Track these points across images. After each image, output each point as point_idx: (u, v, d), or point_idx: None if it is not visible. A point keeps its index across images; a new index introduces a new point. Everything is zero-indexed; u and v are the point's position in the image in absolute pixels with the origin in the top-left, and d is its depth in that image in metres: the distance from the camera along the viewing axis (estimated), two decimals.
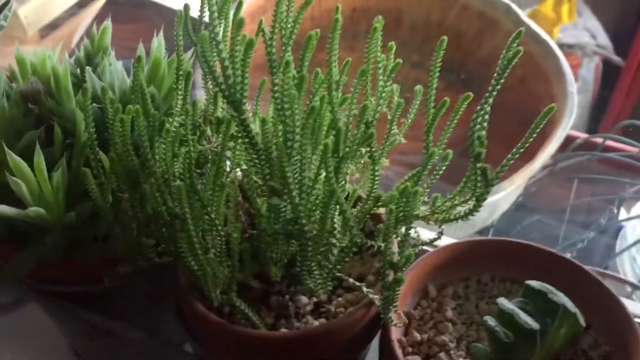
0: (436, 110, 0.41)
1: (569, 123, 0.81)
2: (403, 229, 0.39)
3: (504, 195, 0.75)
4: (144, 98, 0.40)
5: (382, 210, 0.46)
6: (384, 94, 0.41)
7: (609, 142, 0.98)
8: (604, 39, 1.64)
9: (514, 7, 1.03)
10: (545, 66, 0.97)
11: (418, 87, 0.46)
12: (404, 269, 0.41)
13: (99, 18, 0.89)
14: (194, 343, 0.49)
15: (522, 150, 0.40)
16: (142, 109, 0.40)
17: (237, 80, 0.35)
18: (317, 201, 0.37)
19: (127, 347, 0.61)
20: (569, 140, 0.96)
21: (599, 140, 0.99)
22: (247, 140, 0.37)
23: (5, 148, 0.43)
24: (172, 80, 0.49)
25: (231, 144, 0.44)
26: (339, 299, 0.50)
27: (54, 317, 0.61)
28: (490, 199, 0.58)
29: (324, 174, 0.36)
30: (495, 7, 1.08)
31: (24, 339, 0.71)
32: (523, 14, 1.02)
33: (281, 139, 0.35)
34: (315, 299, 0.50)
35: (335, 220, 0.40)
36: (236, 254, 0.42)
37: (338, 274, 0.51)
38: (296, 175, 0.34)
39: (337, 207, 0.36)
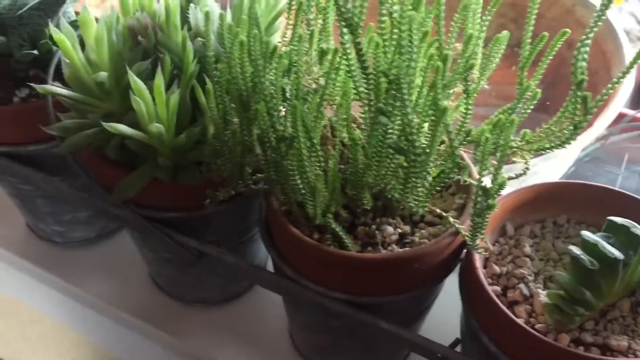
0: (533, 46, 0.43)
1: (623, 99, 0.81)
2: (498, 156, 0.41)
3: (557, 163, 0.76)
4: (258, 25, 0.43)
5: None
6: (483, 28, 0.43)
7: None
8: None
9: None
10: (604, 44, 0.96)
11: (505, 32, 0.48)
12: (496, 195, 0.43)
13: None
14: (283, 265, 0.53)
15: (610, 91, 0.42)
16: (251, 35, 0.42)
17: (356, 3, 0.37)
18: (426, 119, 0.40)
19: (214, 273, 0.65)
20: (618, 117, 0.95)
21: None
22: (359, 64, 0.39)
23: (128, 70, 0.46)
24: (270, 15, 0.52)
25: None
26: (422, 231, 0.52)
27: (144, 245, 0.65)
28: (544, 164, 0.60)
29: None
30: None
31: (106, 272, 0.75)
32: None
33: (393, 62, 0.37)
34: (399, 230, 0.52)
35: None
36: (338, 179, 0.44)
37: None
38: (408, 96, 0.36)
39: (444, 126, 0.39)
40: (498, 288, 0.50)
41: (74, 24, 0.63)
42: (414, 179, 0.41)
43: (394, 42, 0.37)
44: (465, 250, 0.51)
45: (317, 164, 0.46)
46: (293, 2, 0.49)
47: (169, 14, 0.50)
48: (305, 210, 0.50)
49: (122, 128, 0.46)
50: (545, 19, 1.05)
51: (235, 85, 0.44)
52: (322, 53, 0.45)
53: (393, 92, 0.38)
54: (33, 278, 0.77)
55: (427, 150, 0.39)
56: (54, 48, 0.62)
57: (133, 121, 0.52)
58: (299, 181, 0.44)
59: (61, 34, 0.50)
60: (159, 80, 0.46)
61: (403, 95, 0.36)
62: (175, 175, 0.51)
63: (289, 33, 0.46)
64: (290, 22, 0.46)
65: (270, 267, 0.73)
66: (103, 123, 0.46)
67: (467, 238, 0.48)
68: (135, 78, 0.46)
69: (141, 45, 0.54)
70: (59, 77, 0.62)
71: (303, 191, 0.44)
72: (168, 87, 0.51)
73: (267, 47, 0.43)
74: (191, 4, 0.54)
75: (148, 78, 0.53)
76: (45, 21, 0.61)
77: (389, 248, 0.51)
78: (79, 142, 0.53)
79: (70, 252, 0.77)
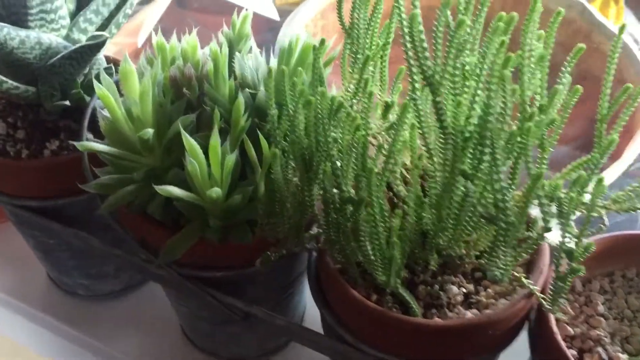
0: (614, 100, 0.40)
1: None
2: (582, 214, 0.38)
3: None
4: (322, 81, 0.40)
5: None
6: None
7: None
8: None
9: (589, 6, 1.00)
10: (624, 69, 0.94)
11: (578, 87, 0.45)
12: (582, 258, 0.40)
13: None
14: (340, 329, 0.49)
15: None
16: (317, 93, 0.40)
17: (438, 62, 0.34)
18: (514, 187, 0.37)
19: (256, 332, 0.61)
20: None
21: None
22: (439, 122, 0.37)
23: (182, 130, 0.43)
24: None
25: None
26: (488, 290, 0.49)
27: (179, 301, 0.62)
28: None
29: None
30: (571, 7, 1.06)
31: (134, 326, 0.72)
32: (598, 14, 1.00)
33: (485, 124, 0.34)
34: (464, 289, 0.49)
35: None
36: (407, 240, 0.41)
37: (480, 264, 0.51)
38: (502, 162, 0.34)
39: (539, 192, 0.36)
40: (574, 352, 0.46)
41: (109, 73, 0.61)
42: (502, 248, 0.38)
43: (481, 102, 0.35)
44: (534, 310, 0.48)
45: (382, 225, 0.43)
46: (348, 51, 0.47)
47: (217, 64, 0.48)
48: (363, 271, 0.47)
49: (174, 190, 0.43)
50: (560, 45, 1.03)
51: (298, 145, 0.41)
52: (387, 107, 0.43)
53: (479, 154, 0.35)
54: (56, 334, 0.73)
55: (519, 218, 0.36)
56: (86, 98, 0.59)
57: (178, 179, 0.49)
58: (369, 247, 0.41)
59: (104, 89, 0.47)
60: (215, 141, 0.43)
61: (496, 161, 0.33)
62: (225, 235, 0.48)
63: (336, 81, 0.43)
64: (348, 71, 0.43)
65: (308, 322, 0.70)
66: (155, 186, 0.43)
67: (543, 301, 0.45)
68: (188, 137, 0.43)
69: (184, 98, 0.51)
70: (90, 127, 0.59)
71: (373, 257, 0.41)
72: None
73: (332, 104, 0.40)
74: (237, 53, 0.51)
75: (192, 132, 0.50)
76: (77, 70, 0.58)
77: (455, 310, 0.48)
78: (120, 201, 0.50)
79: (96, 305, 0.73)
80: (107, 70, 0.61)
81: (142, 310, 0.73)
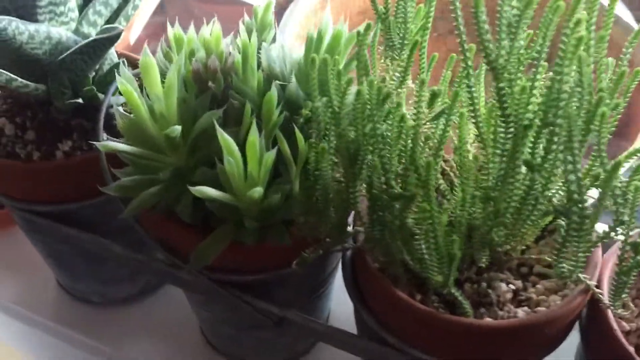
0: None
1: None
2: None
3: None
4: (367, 70, 0.37)
5: None
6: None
7: None
8: None
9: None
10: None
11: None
12: None
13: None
14: (382, 331, 0.47)
15: None
16: (366, 83, 0.37)
17: (504, 45, 0.32)
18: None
19: (287, 335, 0.59)
20: None
21: None
22: (501, 110, 0.34)
23: (217, 127, 0.40)
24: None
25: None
26: (537, 286, 0.47)
27: (202, 306, 0.59)
28: None
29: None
30: None
31: (153, 333, 0.69)
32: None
33: (559, 110, 0.32)
34: (512, 286, 0.47)
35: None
36: (462, 237, 0.39)
37: (529, 259, 0.49)
38: (579, 150, 0.31)
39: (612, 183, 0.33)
40: (632, 348, 0.44)
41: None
42: (575, 243, 0.35)
43: (555, 86, 0.32)
44: (587, 307, 0.46)
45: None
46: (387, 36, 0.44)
47: (246, 55, 0.44)
48: (406, 269, 0.45)
49: (209, 191, 0.40)
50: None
51: (344, 138, 0.38)
52: (434, 95, 0.40)
53: (546, 143, 0.33)
54: (70, 344, 0.70)
55: (596, 211, 0.33)
56: (99, 95, 0.56)
57: (207, 178, 0.46)
58: (423, 245, 0.38)
59: (127, 85, 0.43)
60: (254, 137, 0.40)
61: (573, 150, 0.30)
62: (262, 236, 0.45)
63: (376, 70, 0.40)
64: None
65: (333, 320, 0.67)
66: (190, 187, 0.40)
67: (601, 297, 0.42)
68: (224, 134, 0.40)
69: (209, 92, 0.48)
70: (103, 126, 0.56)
71: (427, 256, 0.38)
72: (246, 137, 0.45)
73: (379, 93, 0.37)
74: (263, 43, 0.48)
75: (221, 127, 0.47)
76: (89, 66, 0.54)
77: (505, 309, 0.46)
78: (144, 204, 0.46)
79: (111, 312, 0.70)
80: (119, 65, 0.57)
81: (160, 314, 0.70)
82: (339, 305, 0.66)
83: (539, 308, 0.45)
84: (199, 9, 0.87)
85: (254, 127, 0.40)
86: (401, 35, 0.43)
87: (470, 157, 0.39)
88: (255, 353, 0.63)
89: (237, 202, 0.41)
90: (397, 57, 0.45)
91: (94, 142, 0.46)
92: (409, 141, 0.38)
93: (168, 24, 0.53)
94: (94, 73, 0.57)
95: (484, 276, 0.47)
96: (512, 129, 0.35)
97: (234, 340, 0.63)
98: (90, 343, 0.68)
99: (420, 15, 0.46)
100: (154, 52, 0.50)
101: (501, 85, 0.33)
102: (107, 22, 0.58)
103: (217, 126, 0.40)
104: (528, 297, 0.46)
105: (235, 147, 0.40)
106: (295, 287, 0.54)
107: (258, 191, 0.39)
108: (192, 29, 0.52)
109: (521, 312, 0.45)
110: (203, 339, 0.68)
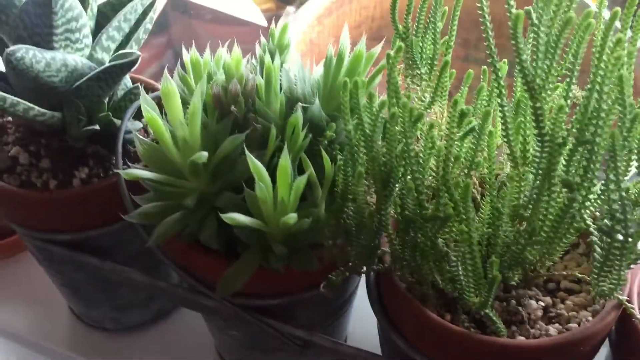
0: None
1: None
2: None
3: None
4: (398, 93, 0.37)
5: None
6: None
7: None
8: None
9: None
10: None
11: None
12: None
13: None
14: (413, 353, 0.46)
15: None
16: (399, 104, 0.37)
17: (541, 64, 0.32)
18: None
19: (304, 356, 0.58)
20: None
21: None
22: (538, 129, 0.34)
23: (247, 152, 0.40)
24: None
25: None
26: (566, 302, 0.47)
27: (222, 330, 0.58)
28: None
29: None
30: None
31: (167, 356, 0.68)
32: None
33: (598, 129, 0.32)
34: (541, 303, 0.46)
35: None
36: (499, 258, 0.38)
37: (556, 275, 0.48)
38: (624, 168, 0.31)
39: None
40: None
41: (135, 94, 0.57)
42: (617, 262, 0.35)
43: (592, 104, 0.32)
44: (618, 322, 0.46)
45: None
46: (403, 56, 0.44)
47: (269, 78, 0.44)
48: (434, 289, 0.45)
49: (240, 218, 0.40)
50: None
51: (376, 161, 0.38)
52: (462, 115, 0.40)
53: (584, 161, 0.33)
54: None
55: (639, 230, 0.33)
56: (116, 121, 0.55)
57: (232, 203, 0.45)
58: (460, 267, 0.38)
59: (152, 112, 0.43)
60: (286, 162, 0.39)
61: (618, 168, 0.30)
62: (289, 261, 0.45)
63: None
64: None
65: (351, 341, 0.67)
66: (222, 215, 0.39)
67: (633, 312, 0.42)
68: (255, 160, 0.39)
69: (230, 116, 0.47)
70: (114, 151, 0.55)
71: (464, 277, 0.38)
72: (270, 161, 0.45)
73: (411, 115, 0.37)
74: (284, 65, 0.48)
75: (242, 153, 0.46)
76: (105, 92, 0.54)
77: (537, 326, 0.45)
78: (169, 231, 0.46)
79: (126, 338, 0.69)
80: (134, 90, 0.57)
81: (175, 339, 0.69)
82: (356, 325, 0.66)
83: (570, 325, 0.45)
84: (203, 30, 0.87)
85: (285, 152, 0.39)
86: (426, 54, 0.43)
87: (503, 175, 0.39)
88: None
89: (266, 228, 0.41)
90: (420, 76, 0.45)
91: (116, 170, 0.46)
92: (441, 162, 0.38)
93: (183, 48, 0.52)
94: (107, 98, 0.57)
95: (512, 293, 0.47)
96: (547, 148, 0.35)
97: None
98: None
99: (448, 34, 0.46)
100: (158, 74, 0.49)
101: (537, 105, 0.33)
102: (119, 46, 0.58)
103: (247, 152, 0.40)
104: (558, 314, 0.46)
105: (265, 173, 0.40)
106: (318, 309, 0.54)
107: (293, 217, 0.39)
108: (207, 52, 0.52)
109: (552, 329, 0.45)
110: None
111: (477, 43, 1.04)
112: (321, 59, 0.50)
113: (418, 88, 0.46)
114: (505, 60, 0.37)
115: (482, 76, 0.41)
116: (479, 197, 0.48)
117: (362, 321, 0.67)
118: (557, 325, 0.45)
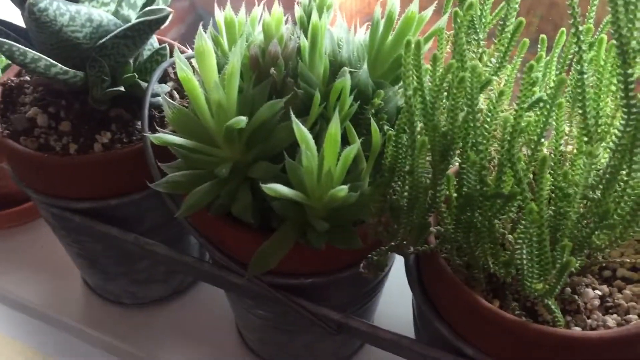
0: None
1: None
2: None
3: None
4: (464, 57, 0.34)
5: None
6: None
7: None
8: None
9: None
10: None
11: None
12: None
13: None
14: (458, 341, 0.43)
15: None
16: (466, 68, 0.33)
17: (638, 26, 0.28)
18: None
19: (331, 339, 0.55)
20: None
21: None
22: (626, 99, 0.30)
23: (293, 117, 0.36)
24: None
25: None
26: (625, 291, 0.43)
27: (249, 309, 0.55)
28: None
29: None
30: None
31: (187, 334, 0.65)
32: None
33: None
34: (598, 292, 0.43)
35: None
36: (572, 242, 0.35)
37: (610, 262, 0.45)
38: None
39: None
40: None
41: (162, 55, 0.54)
42: None
43: None
44: None
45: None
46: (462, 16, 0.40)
47: (315, 39, 0.40)
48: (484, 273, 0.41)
49: (283, 190, 0.36)
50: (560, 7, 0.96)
51: (436, 131, 0.34)
52: (532, 84, 0.36)
53: None
54: (102, 348, 0.66)
55: None
56: (142, 83, 0.52)
57: (268, 174, 0.42)
58: (524, 250, 0.34)
59: (188, 72, 0.39)
60: (336, 129, 0.36)
61: None
62: (329, 238, 0.41)
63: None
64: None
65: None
66: (263, 185, 0.36)
67: None
68: (301, 126, 0.36)
69: (268, 80, 0.44)
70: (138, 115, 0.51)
71: (528, 262, 0.35)
72: (313, 128, 0.41)
73: (479, 80, 0.33)
74: (328, 26, 0.44)
75: (282, 120, 0.43)
76: (131, 51, 0.50)
77: (593, 316, 0.42)
78: (200, 202, 0.43)
79: (143, 313, 0.66)
80: (161, 51, 0.53)
81: (193, 315, 0.66)
82: (382, 309, 0.63)
83: (629, 316, 0.42)
84: None
85: (336, 118, 0.36)
86: (486, 18, 0.39)
87: (576, 151, 0.36)
88: (298, 356, 0.60)
89: (309, 201, 0.38)
90: (478, 42, 0.41)
91: (144, 134, 0.42)
92: (507, 134, 0.34)
93: (216, 7, 0.49)
94: (133, 59, 0.53)
95: (567, 281, 0.43)
96: (633, 121, 0.31)
97: (278, 344, 0.59)
98: (122, 347, 0.65)
99: None
100: (179, 37, 0.46)
101: (630, 71, 0.30)
102: (145, 4, 0.54)
103: (293, 117, 0.36)
104: (616, 304, 0.42)
105: (312, 140, 0.36)
106: (352, 289, 0.51)
107: (343, 189, 0.35)
108: (242, 11, 0.48)
109: (611, 321, 0.41)
110: (239, 341, 0.64)
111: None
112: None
113: (473, 54, 0.42)
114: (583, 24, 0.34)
115: (556, 39, 0.37)
116: (531, 176, 0.45)
117: (388, 304, 0.64)
118: (615, 316, 0.42)
